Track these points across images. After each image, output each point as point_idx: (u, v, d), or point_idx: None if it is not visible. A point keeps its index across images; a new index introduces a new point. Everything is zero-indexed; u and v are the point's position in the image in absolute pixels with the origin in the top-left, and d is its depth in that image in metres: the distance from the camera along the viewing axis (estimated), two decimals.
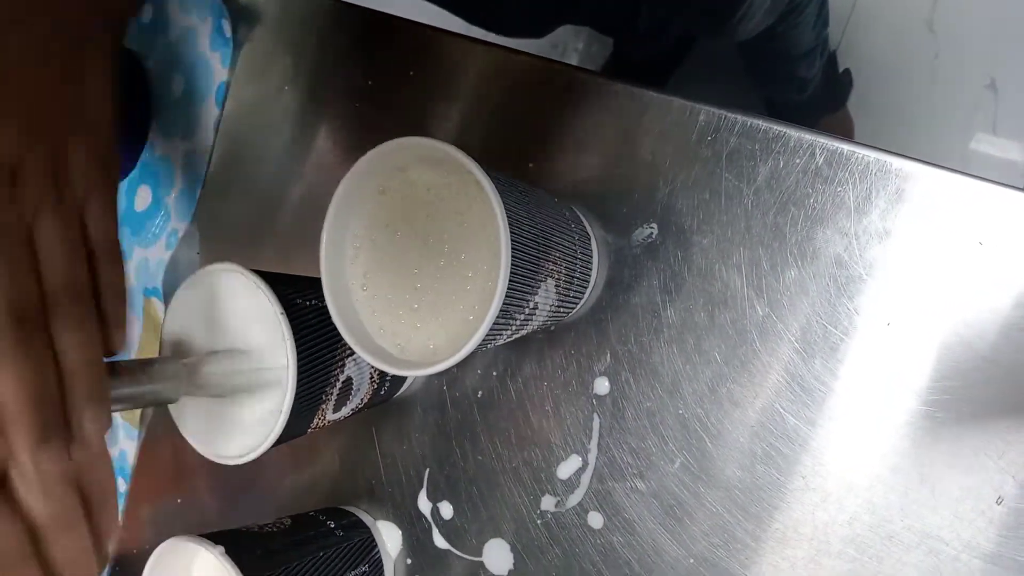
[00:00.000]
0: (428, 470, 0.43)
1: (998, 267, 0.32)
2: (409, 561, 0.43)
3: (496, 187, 0.28)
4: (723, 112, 0.36)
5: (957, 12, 0.96)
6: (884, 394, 0.33)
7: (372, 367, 0.38)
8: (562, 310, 0.36)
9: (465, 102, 0.43)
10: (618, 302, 0.38)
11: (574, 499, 0.39)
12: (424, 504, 0.43)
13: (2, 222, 0.21)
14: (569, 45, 1.12)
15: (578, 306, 0.38)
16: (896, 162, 0.33)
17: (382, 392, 0.41)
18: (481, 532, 0.41)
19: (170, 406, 0.36)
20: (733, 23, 0.62)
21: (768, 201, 0.35)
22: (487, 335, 0.28)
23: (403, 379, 0.42)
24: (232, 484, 0.49)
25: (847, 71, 0.99)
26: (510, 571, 0.40)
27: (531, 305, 0.31)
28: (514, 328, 0.31)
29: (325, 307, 0.31)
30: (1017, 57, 0.93)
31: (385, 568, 0.42)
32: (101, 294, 0.24)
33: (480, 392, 0.41)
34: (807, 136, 0.34)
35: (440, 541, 0.42)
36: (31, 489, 0.22)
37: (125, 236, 0.51)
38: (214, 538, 0.35)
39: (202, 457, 0.35)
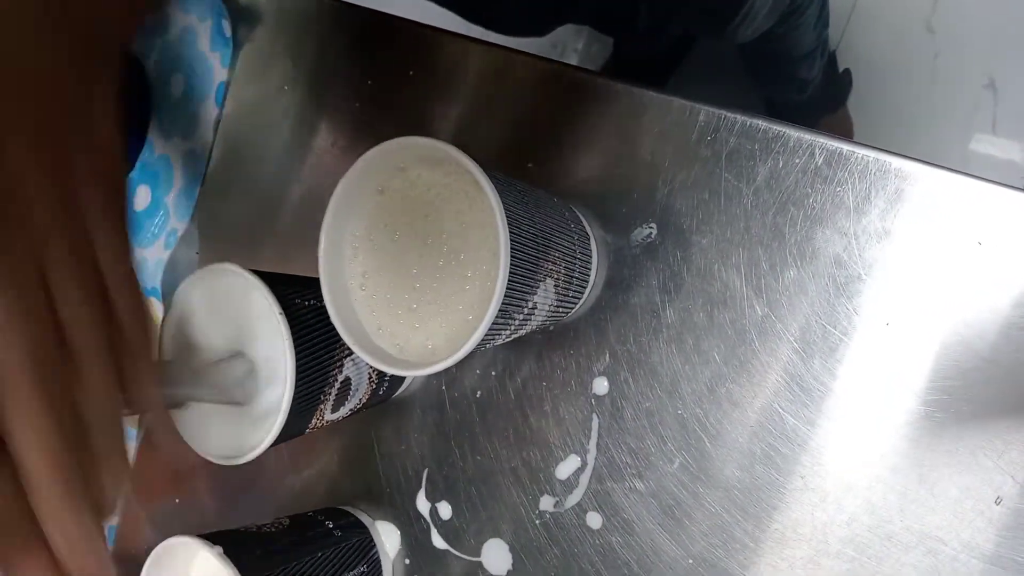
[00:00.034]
0: (427, 470, 0.43)
1: (997, 267, 0.32)
2: (408, 561, 0.43)
3: (495, 187, 0.28)
4: (723, 112, 0.36)
5: (957, 12, 0.96)
6: (883, 394, 0.33)
7: (370, 367, 0.38)
8: (561, 310, 0.36)
9: (465, 102, 0.43)
10: (617, 302, 0.38)
11: (573, 499, 0.39)
12: (423, 504, 0.43)
13: (13, 257, 0.20)
14: (569, 45, 1.12)
15: (577, 306, 0.38)
16: (895, 162, 0.33)
17: (380, 392, 0.41)
18: (480, 532, 0.41)
19: None
20: (734, 24, 0.62)
21: (767, 201, 0.35)
22: (486, 335, 0.28)
23: (402, 379, 0.42)
24: (231, 484, 0.49)
25: (847, 71, 0.99)
26: (509, 571, 0.40)
27: (530, 305, 0.31)
28: (513, 328, 0.31)
29: (324, 307, 0.31)
30: (1016, 57, 0.93)
31: (383, 568, 0.42)
32: (121, 327, 0.23)
33: (479, 392, 0.41)
34: (806, 136, 0.34)
35: (439, 541, 0.42)
36: (58, 548, 0.21)
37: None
38: (213, 538, 0.35)
39: (201, 457, 0.35)
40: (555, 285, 0.33)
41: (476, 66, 0.42)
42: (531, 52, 0.41)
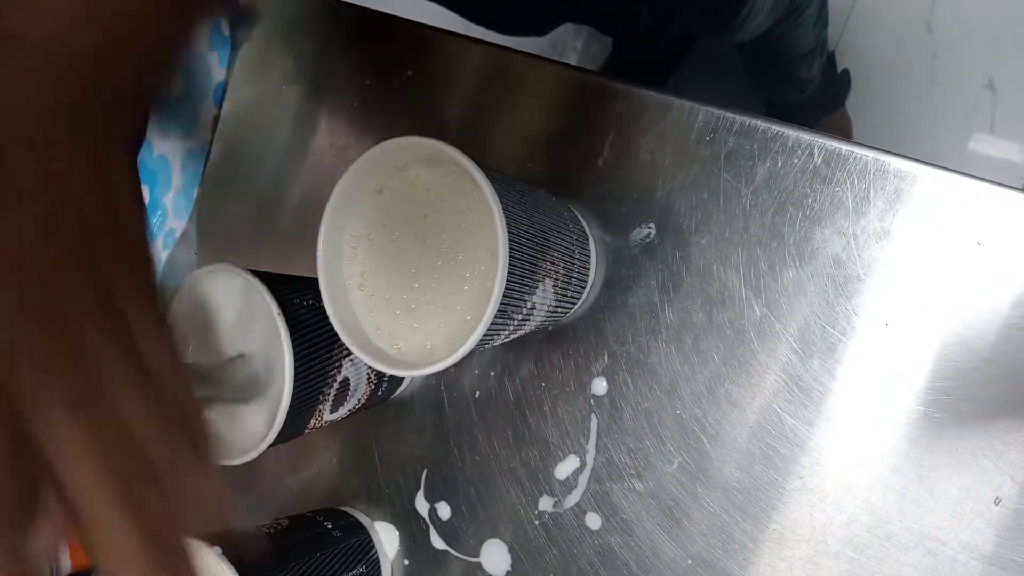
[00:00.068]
0: (425, 471, 0.43)
1: (997, 267, 0.32)
2: (407, 562, 0.43)
3: (494, 187, 0.28)
4: (721, 112, 0.36)
5: (955, 12, 0.96)
6: (883, 394, 0.33)
7: (369, 368, 0.38)
8: (560, 310, 0.36)
9: (464, 102, 0.43)
10: (616, 302, 0.38)
11: (572, 500, 0.39)
12: (422, 505, 0.43)
13: (76, 378, 0.20)
14: (568, 45, 1.12)
15: (576, 306, 0.38)
16: (894, 162, 0.33)
17: (379, 393, 0.41)
18: (479, 533, 0.41)
19: None
20: (736, 24, 0.62)
21: (766, 201, 0.35)
22: (484, 335, 0.28)
23: (400, 380, 0.42)
24: (230, 485, 0.49)
25: (846, 71, 0.99)
26: (508, 572, 0.40)
27: (529, 305, 0.31)
28: (512, 328, 0.31)
29: (322, 307, 0.31)
30: (1015, 58, 0.93)
31: (383, 569, 0.42)
32: (181, 429, 0.23)
33: (478, 392, 0.41)
34: (805, 136, 0.34)
35: (438, 542, 0.42)
36: None
37: None
38: (212, 539, 0.35)
39: None
40: (554, 285, 0.33)
41: (475, 66, 0.42)
42: (530, 52, 0.41)
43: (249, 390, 0.35)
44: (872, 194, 0.33)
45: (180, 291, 0.36)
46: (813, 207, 0.34)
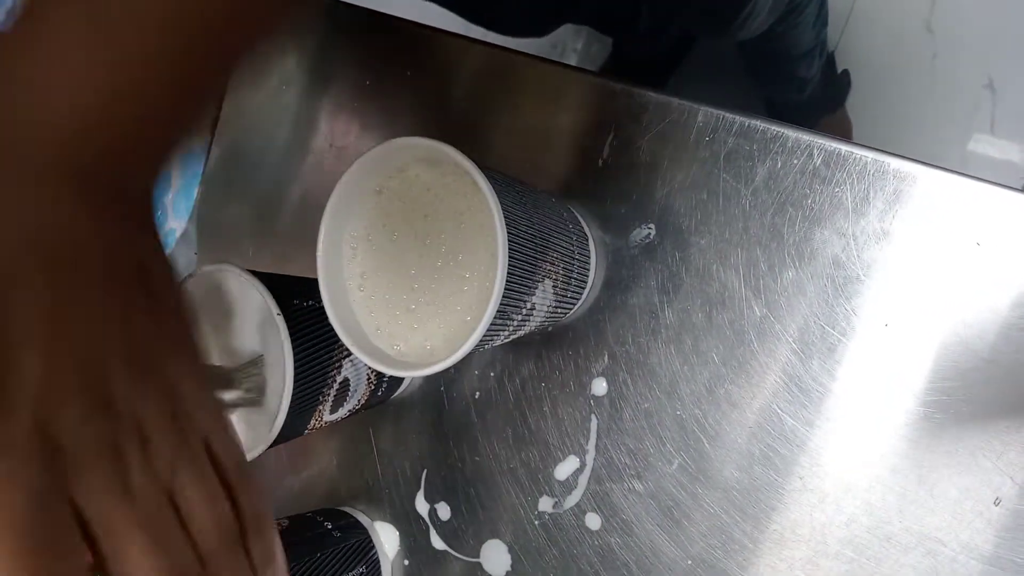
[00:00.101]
0: (425, 471, 0.43)
1: (996, 267, 0.32)
2: (407, 562, 0.43)
3: (493, 187, 0.28)
4: (721, 112, 0.36)
5: (955, 13, 0.96)
6: (882, 395, 0.33)
7: (369, 368, 0.38)
8: (560, 311, 0.36)
9: (464, 102, 0.43)
10: (616, 303, 0.38)
11: (572, 500, 0.39)
12: (422, 505, 0.43)
13: (143, 491, 0.20)
14: (568, 45, 1.12)
15: (576, 307, 0.38)
16: (894, 163, 0.33)
17: (379, 393, 0.41)
18: (479, 533, 0.41)
19: None
20: (737, 24, 0.62)
21: (766, 202, 0.35)
22: (484, 336, 0.28)
23: (400, 380, 0.42)
24: None
25: (845, 72, 0.99)
26: (508, 572, 0.40)
27: (528, 306, 0.31)
28: (511, 329, 0.31)
29: (322, 308, 0.31)
30: (1015, 58, 0.93)
31: (383, 569, 0.42)
32: (247, 529, 0.23)
33: (478, 393, 0.41)
34: (805, 136, 0.34)
35: (438, 542, 0.42)
36: None
37: None
38: None
39: None
40: (553, 286, 0.33)
41: (475, 66, 0.42)
42: (530, 52, 0.41)
43: (251, 391, 0.35)
44: (872, 195, 0.33)
45: None
46: (813, 208, 0.34)
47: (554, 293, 0.33)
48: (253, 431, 0.34)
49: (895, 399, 0.33)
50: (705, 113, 0.36)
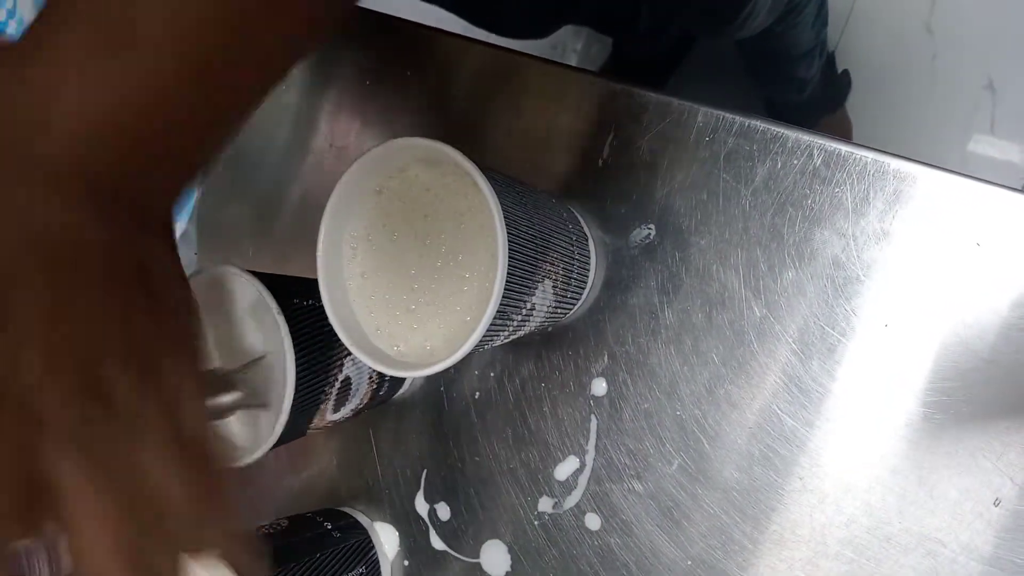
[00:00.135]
0: (425, 471, 0.43)
1: (996, 268, 0.32)
2: (406, 563, 0.43)
3: (493, 188, 0.28)
4: (721, 113, 0.36)
5: (955, 13, 0.96)
6: (882, 395, 0.33)
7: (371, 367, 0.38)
8: (559, 311, 0.36)
9: (464, 102, 0.43)
10: (616, 303, 0.38)
11: (571, 500, 0.39)
12: (421, 505, 0.43)
13: (111, 459, 0.21)
14: (568, 46, 1.12)
15: (576, 307, 0.38)
16: (894, 163, 0.33)
17: (381, 392, 0.41)
18: (478, 534, 0.41)
19: None
20: (736, 23, 0.62)
21: (766, 202, 0.35)
22: (484, 336, 0.28)
23: (402, 380, 0.42)
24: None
25: (845, 72, 0.99)
26: (507, 573, 0.40)
27: (528, 306, 0.31)
28: (511, 329, 0.31)
29: (322, 307, 0.31)
30: (1015, 58, 0.93)
31: (382, 570, 0.42)
32: (212, 495, 0.23)
33: (478, 393, 0.41)
34: (805, 137, 0.34)
35: (437, 543, 0.42)
36: None
37: None
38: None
39: None
40: (553, 286, 0.33)
41: (475, 67, 0.42)
42: (530, 53, 0.41)
43: (251, 392, 0.35)
44: (872, 195, 0.33)
45: None
46: (813, 208, 0.34)
47: (554, 293, 0.33)
48: (256, 431, 0.34)
49: (895, 400, 0.33)
50: (705, 113, 0.36)
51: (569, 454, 0.39)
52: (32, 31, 0.21)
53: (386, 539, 0.43)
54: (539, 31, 0.67)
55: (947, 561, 0.32)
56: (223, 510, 0.23)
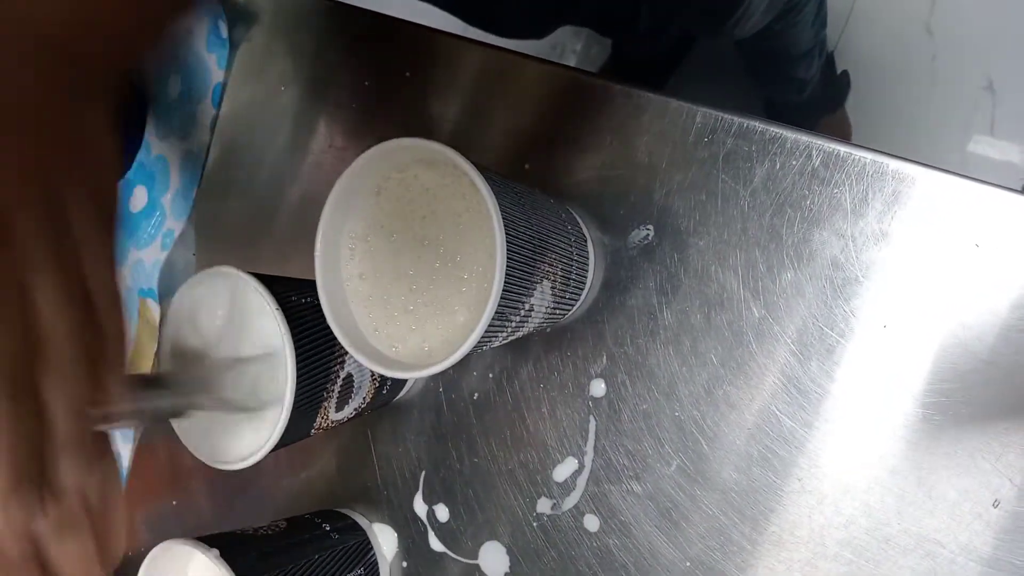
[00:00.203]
0: (424, 473, 0.43)
1: (995, 269, 0.32)
2: (405, 564, 0.43)
3: (492, 189, 0.28)
4: (720, 113, 0.36)
5: (955, 14, 0.96)
6: (881, 396, 0.33)
7: None
8: (558, 312, 0.36)
9: (462, 103, 0.43)
10: (614, 304, 0.38)
11: (570, 502, 0.38)
12: (420, 507, 0.42)
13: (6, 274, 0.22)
14: (567, 47, 1.12)
15: (574, 308, 0.38)
16: (893, 164, 0.33)
17: (384, 392, 0.41)
18: (477, 535, 0.41)
19: None
20: (732, 22, 0.62)
21: (764, 203, 0.35)
22: (482, 337, 0.28)
23: (405, 380, 0.42)
24: (228, 487, 0.49)
25: (845, 72, 0.99)
26: (506, 574, 0.40)
27: (527, 307, 0.31)
28: (510, 330, 0.31)
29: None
30: (1015, 59, 0.93)
31: (381, 571, 0.42)
32: (102, 342, 0.24)
33: (476, 394, 0.41)
34: (803, 137, 0.34)
35: (436, 544, 0.42)
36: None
37: (120, 237, 0.51)
38: (209, 541, 0.35)
39: (198, 459, 0.35)
40: (552, 287, 0.33)
41: (474, 67, 0.42)
42: (529, 53, 0.41)
43: (267, 395, 0.35)
44: (871, 196, 0.33)
45: (179, 295, 0.36)
46: (811, 209, 0.34)
47: (552, 294, 0.33)
48: (257, 432, 0.34)
49: (894, 401, 0.33)
50: (704, 114, 0.36)
51: (568, 455, 0.39)
52: None
53: (384, 540, 0.43)
54: (537, 31, 0.67)
55: (946, 562, 0.32)
56: (107, 361, 0.24)
